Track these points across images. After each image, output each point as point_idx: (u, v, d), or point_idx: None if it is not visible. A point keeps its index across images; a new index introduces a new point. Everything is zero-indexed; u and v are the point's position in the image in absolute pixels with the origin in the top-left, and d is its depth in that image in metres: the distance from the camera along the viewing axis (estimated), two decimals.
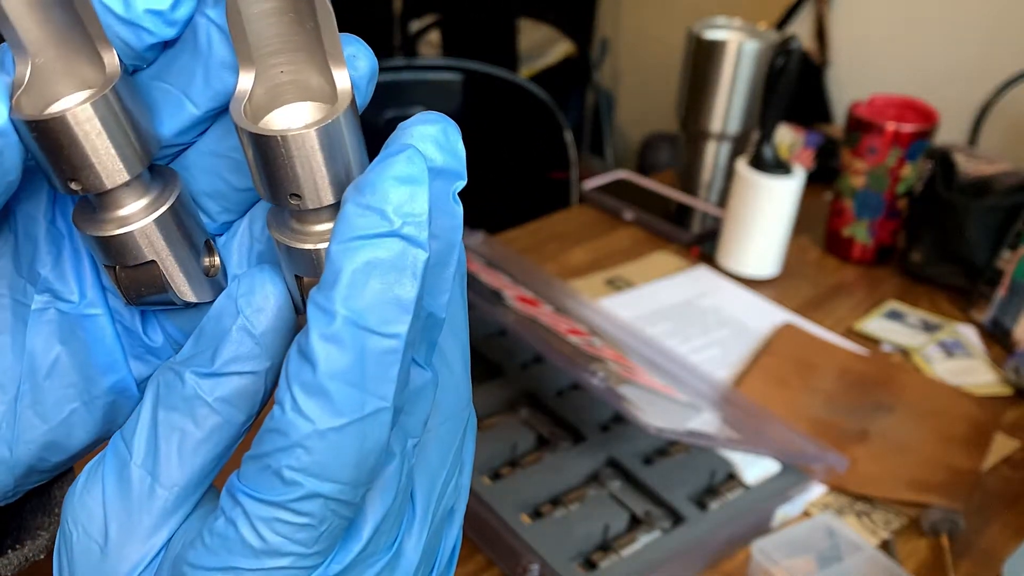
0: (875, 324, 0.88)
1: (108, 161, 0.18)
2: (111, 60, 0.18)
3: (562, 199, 1.24)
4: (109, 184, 0.19)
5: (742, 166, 0.93)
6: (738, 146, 1.09)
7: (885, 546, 0.62)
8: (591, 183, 1.12)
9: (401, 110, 1.28)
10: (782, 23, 2.12)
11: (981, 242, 0.91)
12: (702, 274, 0.96)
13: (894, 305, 0.93)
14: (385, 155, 0.18)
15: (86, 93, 0.19)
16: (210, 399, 0.19)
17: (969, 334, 0.88)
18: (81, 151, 0.18)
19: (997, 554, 0.62)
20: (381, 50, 2.51)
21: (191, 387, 0.19)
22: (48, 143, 0.18)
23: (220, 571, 0.18)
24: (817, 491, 0.66)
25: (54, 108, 0.19)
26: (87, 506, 0.20)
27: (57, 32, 0.19)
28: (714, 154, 1.10)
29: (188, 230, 0.21)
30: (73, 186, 0.19)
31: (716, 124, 1.07)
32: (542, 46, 2.37)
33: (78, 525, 0.20)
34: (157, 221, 0.20)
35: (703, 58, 1.05)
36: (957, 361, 0.84)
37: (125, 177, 0.19)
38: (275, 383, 0.19)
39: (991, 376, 0.82)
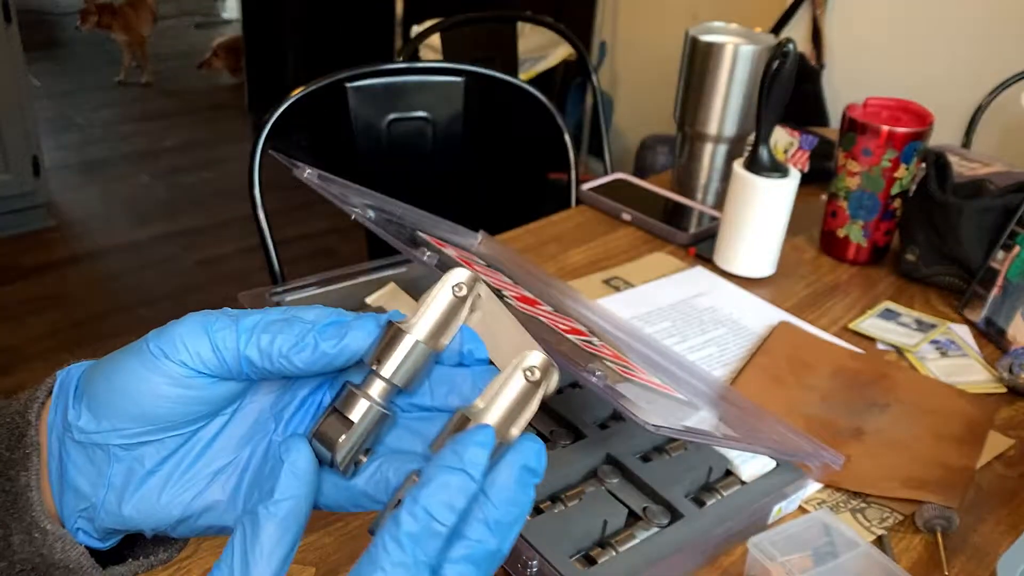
0: (870, 323, 0.89)
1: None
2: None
3: (561, 200, 1.25)
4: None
5: (738, 168, 0.94)
6: (734, 148, 1.10)
7: (880, 543, 0.63)
8: (590, 184, 1.12)
9: (403, 112, 1.28)
10: (778, 27, 2.13)
11: (975, 242, 0.92)
12: (699, 274, 0.96)
13: (889, 305, 0.93)
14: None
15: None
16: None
17: (963, 333, 0.89)
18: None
19: (991, 551, 0.62)
20: (383, 54, 2.52)
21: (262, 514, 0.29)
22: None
23: None
24: (813, 488, 0.67)
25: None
26: None
27: None
28: (711, 156, 1.11)
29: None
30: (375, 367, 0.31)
31: (713, 126, 1.08)
32: (541, 49, 2.38)
33: None
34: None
35: (700, 61, 1.06)
36: (951, 360, 0.85)
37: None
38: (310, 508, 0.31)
39: (985, 375, 0.83)
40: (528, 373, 0.28)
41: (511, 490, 0.28)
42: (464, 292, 0.31)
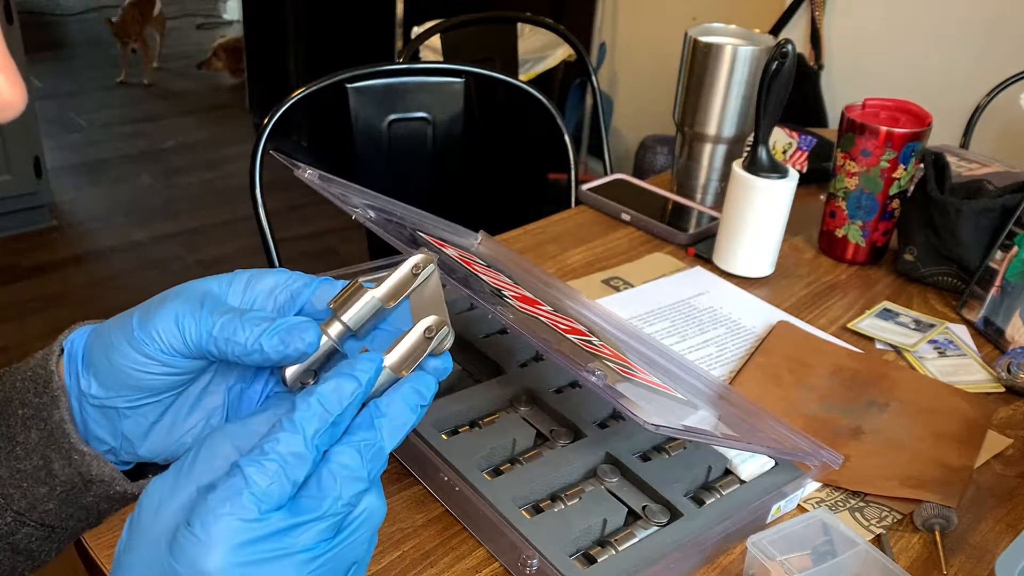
0: (868, 323, 0.90)
1: None
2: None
3: (561, 200, 1.25)
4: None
5: (738, 168, 0.94)
6: (734, 148, 1.10)
7: (878, 542, 0.63)
8: (589, 185, 1.13)
9: (403, 113, 1.29)
10: (777, 27, 2.13)
11: (973, 242, 0.92)
12: (698, 274, 0.97)
13: (887, 304, 0.94)
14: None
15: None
16: None
17: (961, 333, 0.89)
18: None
19: (989, 550, 0.63)
20: (383, 55, 2.52)
21: None
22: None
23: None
24: (811, 487, 0.67)
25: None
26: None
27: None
28: (710, 156, 1.11)
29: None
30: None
31: (712, 127, 1.08)
32: (541, 50, 2.38)
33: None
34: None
35: (699, 62, 1.06)
36: (949, 360, 0.85)
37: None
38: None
39: (983, 374, 0.83)
40: (426, 331, 0.37)
41: (398, 402, 0.35)
42: (419, 271, 0.39)
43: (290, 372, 0.38)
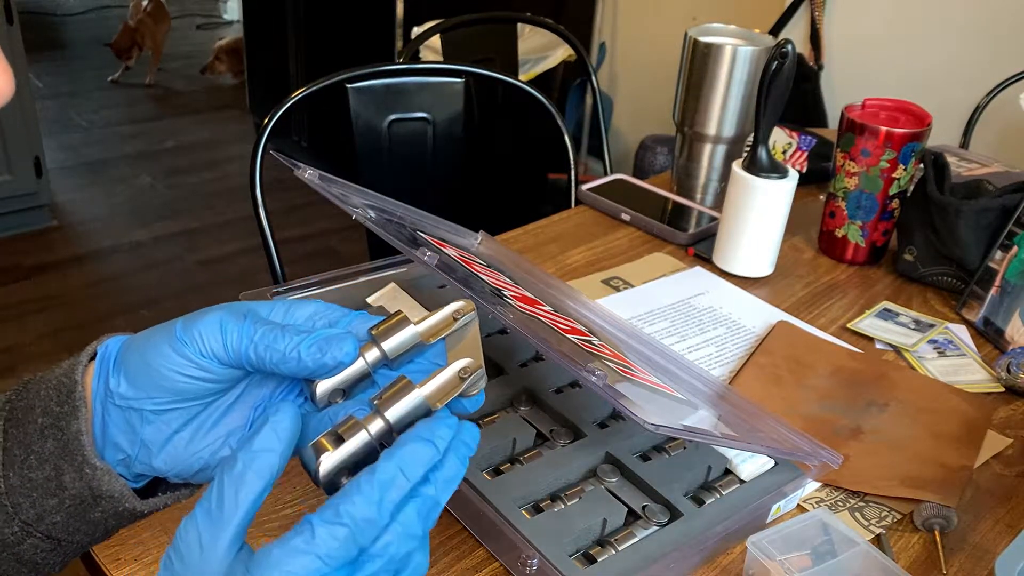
0: (868, 323, 0.90)
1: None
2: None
3: (561, 200, 1.25)
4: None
5: (737, 168, 0.94)
6: (733, 149, 1.10)
7: (878, 541, 0.63)
8: (589, 185, 1.13)
9: (403, 113, 1.29)
10: (777, 28, 2.13)
11: (973, 243, 0.92)
12: (698, 274, 0.97)
13: (887, 304, 0.94)
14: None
15: None
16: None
17: (961, 333, 0.89)
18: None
19: (989, 550, 0.63)
20: (383, 55, 2.52)
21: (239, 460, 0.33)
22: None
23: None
24: (811, 487, 0.67)
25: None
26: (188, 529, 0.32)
27: None
28: (710, 156, 1.11)
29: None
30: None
31: (712, 127, 1.09)
32: (541, 50, 2.38)
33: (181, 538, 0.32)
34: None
35: (699, 62, 1.06)
36: (949, 360, 0.85)
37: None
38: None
39: (983, 374, 0.83)
40: (461, 371, 0.38)
41: (451, 457, 0.36)
42: (459, 316, 0.40)
43: (320, 389, 0.38)
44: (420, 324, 0.39)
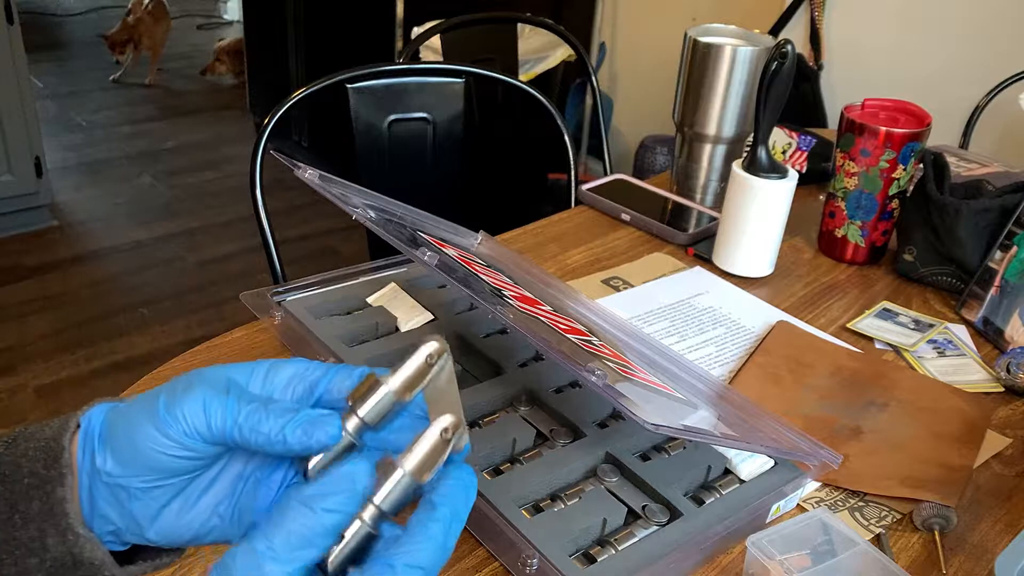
0: (868, 323, 0.90)
1: None
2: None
3: (561, 200, 1.25)
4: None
5: (737, 168, 0.94)
6: (733, 149, 1.11)
7: (878, 541, 0.63)
8: (589, 185, 1.13)
9: (403, 113, 1.29)
10: (776, 28, 2.14)
11: (972, 243, 0.92)
12: (698, 274, 0.97)
13: (886, 304, 0.94)
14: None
15: None
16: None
17: (960, 333, 0.89)
18: None
19: (989, 549, 0.63)
20: (383, 55, 2.52)
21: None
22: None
23: None
24: (811, 487, 0.67)
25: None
26: None
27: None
28: (709, 156, 1.11)
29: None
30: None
31: (712, 127, 1.09)
32: (541, 51, 2.38)
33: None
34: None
35: (699, 62, 1.06)
36: (949, 359, 0.85)
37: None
38: None
39: (982, 374, 0.83)
40: (443, 433, 0.37)
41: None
42: (434, 360, 0.39)
43: (312, 463, 0.38)
44: (394, 380, 0.38)
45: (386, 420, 0.39)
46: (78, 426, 0.40)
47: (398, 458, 0.36)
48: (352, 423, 0.38)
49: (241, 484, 0.41)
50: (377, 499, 0.36)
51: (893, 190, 0.96)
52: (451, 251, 0.70)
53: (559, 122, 1.29)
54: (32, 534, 0.38)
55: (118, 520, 0.39)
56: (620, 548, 0.56)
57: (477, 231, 0.78)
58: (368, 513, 0.36)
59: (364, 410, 0.38)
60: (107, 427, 0.39)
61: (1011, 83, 1.55)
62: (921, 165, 0.97)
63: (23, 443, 0.39)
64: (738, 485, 0.63)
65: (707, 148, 1.11)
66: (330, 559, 0.36)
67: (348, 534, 0.36)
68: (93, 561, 0.38)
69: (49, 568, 0.38)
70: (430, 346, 0.39)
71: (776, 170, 0.92)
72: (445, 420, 0.37)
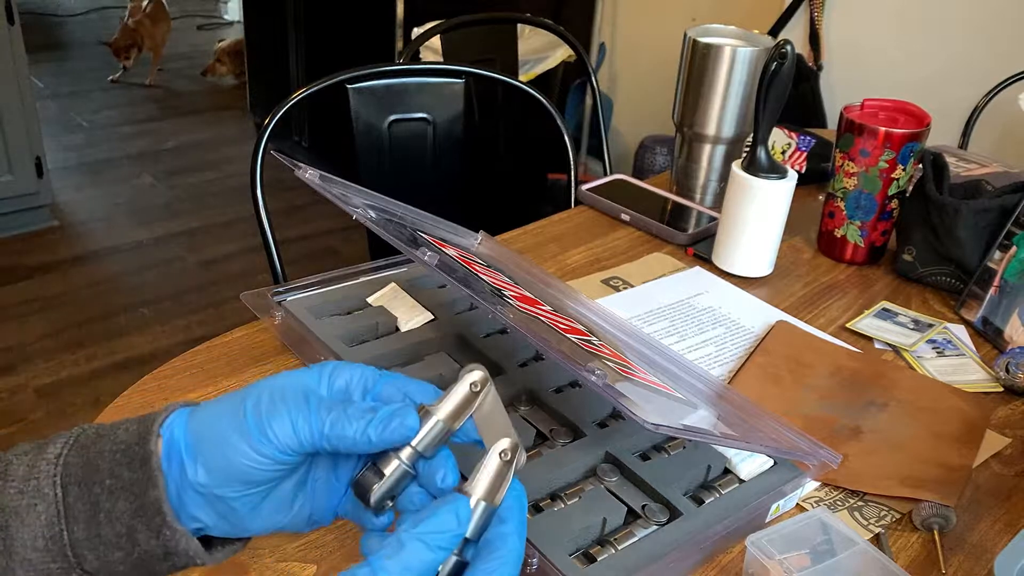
0: (867, 323, 0.90)
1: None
2: None
3: (561, 200, 1.25)
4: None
5: (737, 168, 0.94)
6: (733, 149, 1.11)
7: (877, 541, 0.63)
8: (589, 185, 1.13)
9: (403, 114, 1.29)
10: (776, 28, 2.14)
11: (972, 243, 0.92)
12: (697, 274, 0.97)
13: (886, 304, 0.94)
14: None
15: None
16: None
17: (960, 333, 0.90)
18: None
19: (988, 549, 0.63)
20: (383, 55, 2.52)
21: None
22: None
23: None
24: (811, 486, 0.67)
25: None
26: None
27: None
28: (709, 157, 1.12)
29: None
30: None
31: (711, 127, 1.09)
32: (541, 51, 2.38)
33: None
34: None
35: (699, 63, 1.06)
36: (948, 359, 0.85)
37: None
38: None
39: (981, 374, 0.83)
40: (502, 454, 0.39)
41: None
42: (478, 388, 0.41)
43: (374, 499, 0.41)
44: (441, 410, 0.41)
45: (438, 449, 0.41)
46: (160, 433, 0.42)
47: (465, 485, 0.39)
48: (406, 453, 0.41)
49: (316, 481, 0.44)
50: (469, 533, 0.38)
51: (892, 190, 0.96)
52: (451, 251, 0.70)
53: (559, 122, 1.29)
54: (119, 530, 0.40)
55: (208, 520, 0.42)
56: (620, 548, 0.56)
57: (477, 231, 0.79)
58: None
59: (418, 441, 0.41)
60: (192, 438, 0.41)
61: (1010, 83, 1.55)
62: (920, 165, 0.97)
63: (95, 446, 0.41)
64: (738, 485, 0.63)
65: (707, 148, 1.11)
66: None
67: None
68: (188, 552, 0.41)
69: (135, 560, 0.41)
70: (473, 375, 0.41)
71: (775, 170, 0.93)
72: (503, 444, 0.39)
